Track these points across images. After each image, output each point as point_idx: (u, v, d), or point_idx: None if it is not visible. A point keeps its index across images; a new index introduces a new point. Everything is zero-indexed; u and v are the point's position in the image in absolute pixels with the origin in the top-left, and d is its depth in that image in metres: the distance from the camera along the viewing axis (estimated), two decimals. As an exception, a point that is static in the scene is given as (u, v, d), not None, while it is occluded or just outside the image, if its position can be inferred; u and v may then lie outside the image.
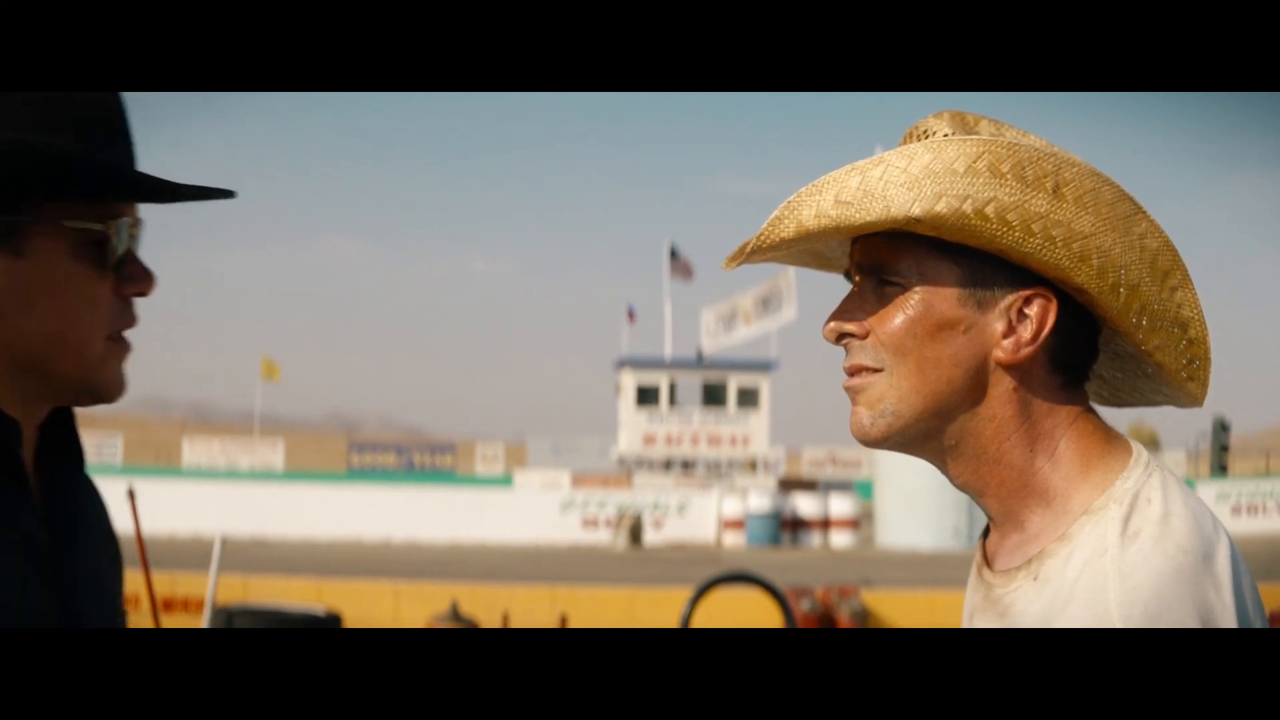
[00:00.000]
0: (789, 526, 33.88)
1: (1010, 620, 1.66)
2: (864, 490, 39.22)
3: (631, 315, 52.26)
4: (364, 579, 18.56)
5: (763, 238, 1.72)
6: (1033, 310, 1.67)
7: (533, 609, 16.14)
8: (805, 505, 34.27)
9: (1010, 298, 1.67)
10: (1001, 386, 1.69)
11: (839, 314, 1.75)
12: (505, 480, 39.67)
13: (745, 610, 14.34)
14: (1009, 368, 1.68)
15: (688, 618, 10.96)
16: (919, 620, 15.59)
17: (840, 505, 34.23)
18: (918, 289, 1.69)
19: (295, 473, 41.50)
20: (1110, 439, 1.71)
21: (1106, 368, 1.82)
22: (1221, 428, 40.41)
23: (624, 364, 46.45)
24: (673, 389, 45.45)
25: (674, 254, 50.09)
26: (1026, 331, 1.67)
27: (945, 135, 1.69)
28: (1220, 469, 40.11)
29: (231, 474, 42.24)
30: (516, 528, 32.62)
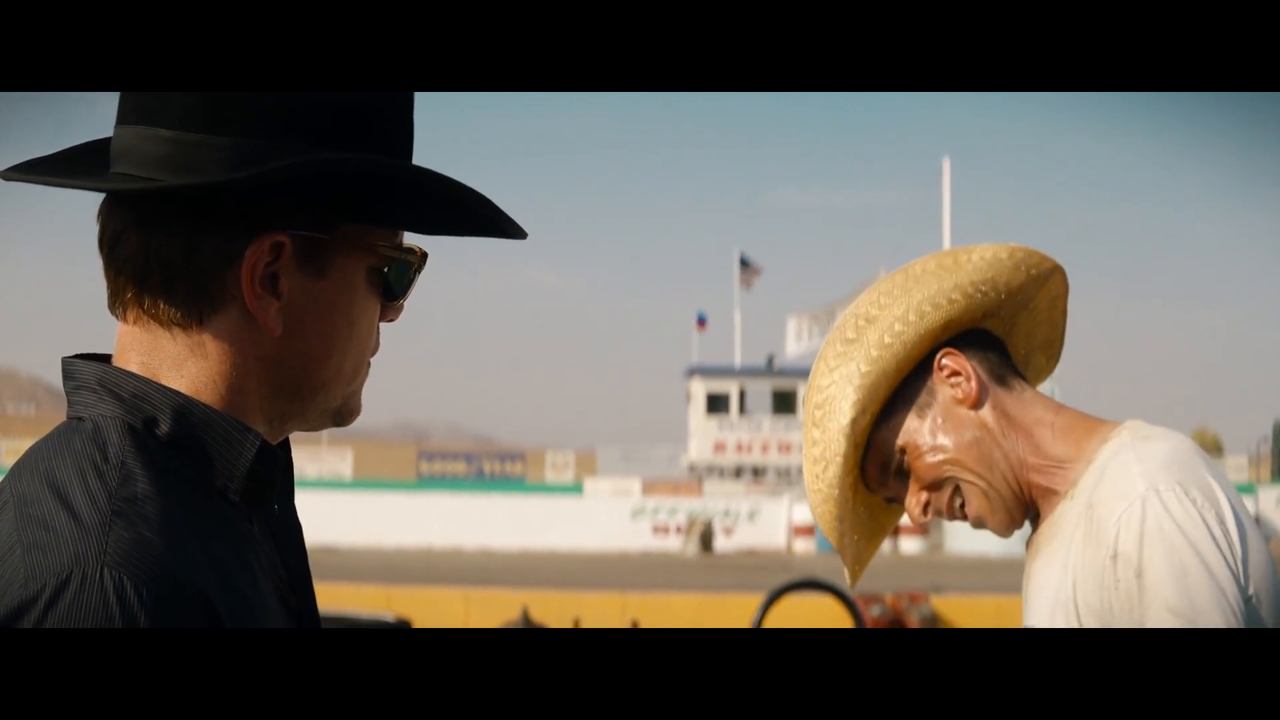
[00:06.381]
0: (859, 533, 33.59)
1: (1058, 533, 2.00)
2: (934, 496, 38.86)
3: (702, 323, 52.20)
4: (434, 586, 18.64)
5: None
6: (946, 363, 2.09)
7: (603, 616, 16.16)
8: (875, 512, 33.98)
9: (923, 378, 2.11)
10: (986, 416, 2.09)
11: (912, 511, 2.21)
12: (575, 488, 39.62)
13: (816, 616, 14.29)
14: (975, 404, 2.08)
15: (759, 624, 10.94)
16: (988, 626, 15.47)
17: (910, 511, 33.96)
18: (901, 447, 2.12)
19: (364, 481, 41.62)
20: (1100, 424, 2.07)
21: None
22: (1282, 432, 40.38)
23: (694, 372, 46.37)
24: (743, 396, 45.30)
25: (744, 262, 50.03)
26: (962, 373, 2.09)
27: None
28: (1280, 473, 40.12)
29: (300, 482, 41.19)
30: (587, 535, 32.62)
